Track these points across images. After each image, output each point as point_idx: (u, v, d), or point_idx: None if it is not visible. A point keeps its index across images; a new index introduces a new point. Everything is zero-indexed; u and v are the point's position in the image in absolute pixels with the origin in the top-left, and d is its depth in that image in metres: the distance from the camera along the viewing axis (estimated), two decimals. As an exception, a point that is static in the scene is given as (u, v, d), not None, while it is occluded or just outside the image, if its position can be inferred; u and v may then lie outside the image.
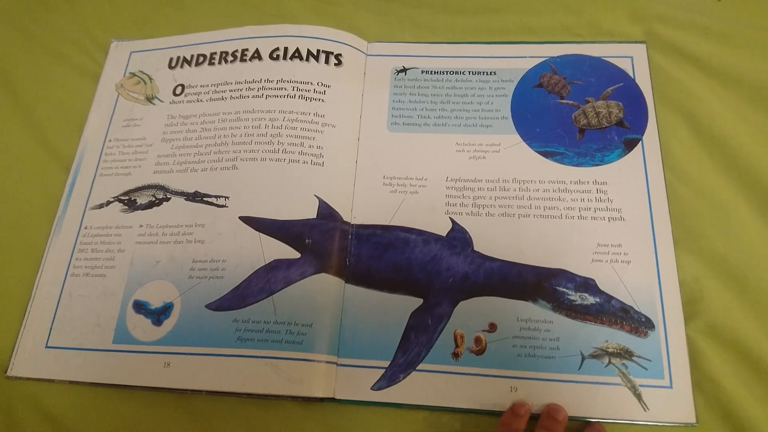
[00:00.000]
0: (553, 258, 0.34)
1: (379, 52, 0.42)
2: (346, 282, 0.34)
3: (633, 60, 0.40)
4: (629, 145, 0.37)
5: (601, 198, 0.35)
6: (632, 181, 0.36)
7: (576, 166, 0.37)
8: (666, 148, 0.37)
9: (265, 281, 0.34)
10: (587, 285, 0.33)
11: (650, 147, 0.37)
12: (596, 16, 0.43)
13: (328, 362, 0.32)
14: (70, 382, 0.33)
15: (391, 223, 0.36)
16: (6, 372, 0.34)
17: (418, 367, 0.32)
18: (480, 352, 0.32)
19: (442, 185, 0.37)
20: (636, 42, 0.41)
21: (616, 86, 0.39)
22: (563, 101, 0.39)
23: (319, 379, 0.32)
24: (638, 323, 0.32)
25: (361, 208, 0.37)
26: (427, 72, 0.41)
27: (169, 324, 0.34)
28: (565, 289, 0.33)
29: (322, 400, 0.32)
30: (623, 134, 0.37)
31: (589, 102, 0.39)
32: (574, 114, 0.38)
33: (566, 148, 0.37)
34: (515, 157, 0.37)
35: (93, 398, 0.34)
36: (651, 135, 0.37)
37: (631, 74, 0.39)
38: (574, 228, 0.35)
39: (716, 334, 0.32)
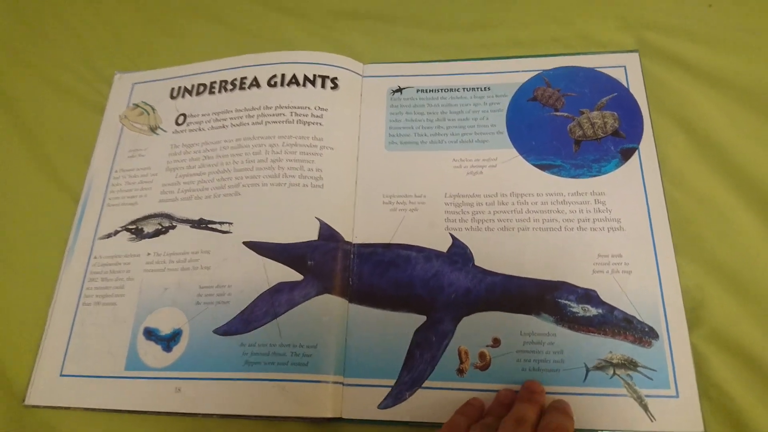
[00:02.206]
0: (554, 270, 0.34)
1: (374, 73, 0.43)
2: (350, 302, 0.35)
3: (626, 69, 0.40)
4: (626, 155, 0.37)
5: (599, 209, 0.36)
6: (630, 190, 0.36)
7: (573, 177, 0.37)
8: (662, 156, 0.37)
9: (270, 304, 0.35)
10: (589, 296, 0.33)
11: (647, 155, 0.37)
12: (587, 26, 0.43)
13: (334, 382, 0.33)
14: (86, 409, 0.34)
15: (392, 241, 0.36)
16: (23, 401, 0.35)
17: (423, 385, 0.32)
18: (485, 367, 0.32)
19: (441, 202, 0.37)
20: (628, 51, 0.41)
21: (610, 96, 0.39)
22: (558, 113, 0.39)
23: (326, 400, 0.32)
24: (642, 333, 0.32)
25: (362, 228, 0.37)
26: (422, 91, 0.42)
27: (178, 350, 0.35)
28: (567, 302, 0.33)
29: (329, 420, 0.32)
30: (619, 144, 0.38)
31: (583, 113, 0.39)
32: (570, 126, 0.39)
33: (563, 160, 0.38)
34: (512, 171, 0.38)
35: (108, 424, 0.34)
36: (647, 143, 0.37)
37: (624, 83, 0.39)
38: (573, 239, 0.35)
39: (720, 341, 0.32)
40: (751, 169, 0.36)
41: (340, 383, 0.33)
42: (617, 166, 0.37)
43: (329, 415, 0.32)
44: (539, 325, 0.33)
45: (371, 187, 0.38)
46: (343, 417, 0.32)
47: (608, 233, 0.35)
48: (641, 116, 0.38)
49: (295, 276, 0.35)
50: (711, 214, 0.35)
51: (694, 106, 0.39)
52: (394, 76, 0.43)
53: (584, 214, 0.35)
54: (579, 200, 0.36)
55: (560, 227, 0.35)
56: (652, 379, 0.31)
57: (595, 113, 0.39)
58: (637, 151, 0.37)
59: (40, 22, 0.51)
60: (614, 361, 0.31)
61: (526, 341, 0.33)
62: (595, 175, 0.37)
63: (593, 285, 0.33)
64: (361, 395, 0.32)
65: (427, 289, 0.35)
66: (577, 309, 0.33)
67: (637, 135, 0.38)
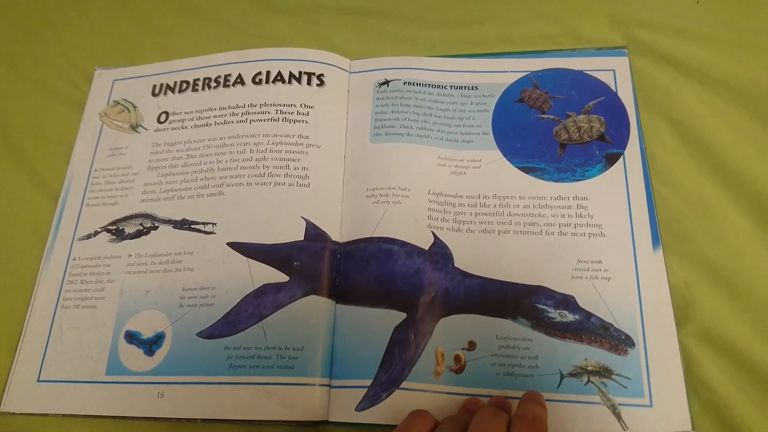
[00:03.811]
0: (533, 275, 0.34)
1: (361, 69, 0.42)
2: (337, 302, 0.35)
3: (615, 73, 0.40)
4: (611, 160, 0.37)
5: (581, 214, 0.36)
6: (613, 196, 0.36)
7: (557, 181, 0.37)
8: (651, 153, 0.37)
9: (255, 306, 0.34)
10: (567, 302, 0.33)
11: (632, 161, 0.37)
12: (576, 23, 0.43)
13: (321, 385, 0.32)
14: (64, 416, 0.34)
15: (374, 234, 0.36)
16: (-1, 408, 0.34)
17: (402, 386, 0.32)
18: (459, 370, 0.32)
19: (425, 198, 0.37)
20: (617, 55, 0.41)
21: (597, 100, 0.39)
22: (544, 116, 0.39)
23: (313, 403, 0.32)
24: (618, 341, 0.32)
25: (347, 225, 0.37)
26: (409, 84, 0.41)
27: (161, 354, 0.34)
28: (544, 307, 0.33)
29: (316, 423, 0.32)
30: (605, 149, 0.38)
31: (570, 116, 0.39)
32: (555, 129, 0.39)
33: (547, 163, 0.38)
34: (496, 173, 0.38)
35: (88, 431, 0.34)
36: (633, 149, 0.37)
37: (613, 88, 0.39)
38: (554, 244, 0.35)
39: (709, 339, 0.32)
40: (740, 166, 0.36)
41: (327, 385, 0.33)
42: (601, 171, 0.37)
43: (315, 419, 0.32)
44: (515, 329, 0.33)
45: (356, 182, 0.38)
46: (330, 420, 0.32)
47: (589, 239, 0.35)
48: (628, 121, 0.38)
49: (280, 277, 0.35)
50: (700, 212, 0.36)
51: (683, 103, 0.39)
52: (381, 69, 0.42)
53: (566, 219, 0.35)
54: (561, 204, 0.36)
55: (541, 231, 0.35)
56: (626, 387, 0.31)
57: (581, 117, 0.39)
58: (622, 157, 0.37)
59: (18, 15, 0.49)
60: (589, 368, 0.32)
61: (501, 345, 0.32)
62: (578, 180, 0.37)
63: (571, 291, 0.33)
64: (348, 397, 0.32)
65: (409, 285, 0.34)
66: (554, 314, 0.33)
67: (623, 140, 0.38)
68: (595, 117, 0.39)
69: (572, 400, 0.31)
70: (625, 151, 0.37)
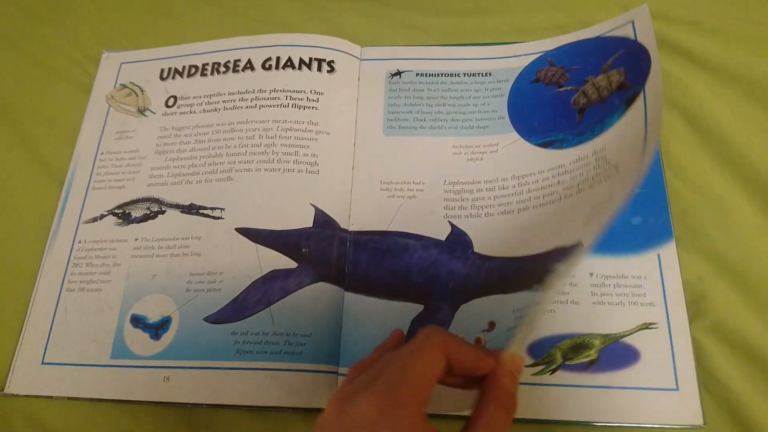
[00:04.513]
0: (551, 239, 0.32)
1: (372, 57, 0.42)
2: (345, 290, 0.34)
3: (634, 23, 0.36)
4: (629, 102, 0.34)
5: (599, 165, 0.33)
6: (631, 132, 0.32)
7: (575, 146, 0.35)
8: (665, 146, 0.36)
9: (263, 292, 0.34)
10: (578, 249, 0.32)
11: (653, 94, 0.32)
12: (588, 12, 0.43)
13: (328, 372, 0.32)
14: (69, 398, 0.33)
15: (389, 229, 0.35)
16: (3, 390, 0.34)
17: None
18: None
19: (440, 189, 0.36)
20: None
21: (615, 55, 0.36)
22: (562, 89, 0.38)
23: (319, 390, 0.31)
24: None
25: (359, 215, 0.36)
26: (421, 74, 0.40)
27: (167, 338, 0.33)
28: (558, 264, 0.32)
29: (323, 410, 0.31)
30: (624, 95, 0.34)
31: (588, 81, 0.37)
32: (573, 98, 0.37)
33: (565, 132, 0.36)
34: (513, 155, 0.37)
35: (93, 414, 0.33)
36: (654, 83, 0.32)
37: (632, 36, 0.36)
38: (572, 204, 0.33)
39: (721, 334, 0.32)
40: (751, 160, 0.35)
41: (335, 373, 0.32)
42: (620, 116, 0.34)
43: (322, 406, 0.31)
44: (530, 297, 0.31)
45: (369, 173, 0.37)
46: (337, 407, 0.31)
47: (606, 181, 0.32)
48: (648, 58, 0.34)
49: (289, 263, 0.34)
50: (712, 205, 0.35)
51: (696, 96, 0.38)
52: (392, 59, 0.41)
53: (584, 176, 0.33)
54: (580, 165, 0.34)
55: (560, 197, 0.34)
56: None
57: (600, 77, 0.36)
58: (642, 93, 0.33)
59: (24, -1, 0.49)
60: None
61: (517, 317, 0.31)
62: (597, 135, 0.34)
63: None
64: (356, 385, 0.32)
65: (425, 278, 0.33)
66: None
67: (642, 77, 0.33)
68: (613, 71, 0.36)
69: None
70: (646, 86, 0.33)
